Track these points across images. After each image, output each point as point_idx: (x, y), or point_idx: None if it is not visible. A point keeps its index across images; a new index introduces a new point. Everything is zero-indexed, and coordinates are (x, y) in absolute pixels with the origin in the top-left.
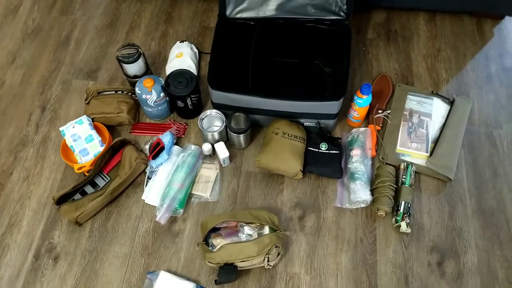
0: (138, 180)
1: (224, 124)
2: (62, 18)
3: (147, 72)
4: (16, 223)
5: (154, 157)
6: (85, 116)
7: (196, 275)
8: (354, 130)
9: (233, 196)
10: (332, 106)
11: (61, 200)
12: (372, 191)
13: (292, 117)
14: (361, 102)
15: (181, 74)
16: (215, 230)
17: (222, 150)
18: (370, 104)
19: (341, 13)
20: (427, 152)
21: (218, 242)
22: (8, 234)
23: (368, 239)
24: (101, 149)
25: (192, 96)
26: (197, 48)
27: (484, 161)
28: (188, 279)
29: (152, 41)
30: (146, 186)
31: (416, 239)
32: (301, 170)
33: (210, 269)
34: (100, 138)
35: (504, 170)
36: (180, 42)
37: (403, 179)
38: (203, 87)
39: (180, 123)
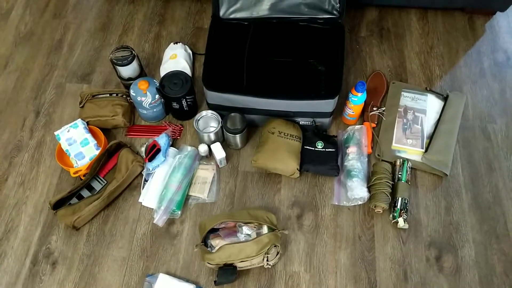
0: (134, 183)
1: (220, 124)
2: (54, 21)
3: (142, 74)
4: (12, 229)
5: (151, 160)
6: (80, 119)
7: (195, 277)
8: (349, 127)
9: (231, 197)
10: (327, 104)
11: (58, 205)
12: (369, 188)
13: (288, 116)
14: (356, 100)
15: (175, 75)
16: (213, 231)
17: (218, 151)
18: (365, 102)
19: (334, 12)
20: (423, 148)
21: (217, 243)
22: (4, 241)
23: (366, 236)
24: (96, 152)
25: (187, 97)
26: (191, 49)
27: (479, 155)
28: (188, 280)
29: (146, 43)
30: (143, 188)
31: (413, 234)
32: (298, 169)
33: (209, 270)
34: (96, 142)
35: (499, 164)
36: (174, 44)
37: (399, 176)
38: (198, 88)
39: (175, 125)
